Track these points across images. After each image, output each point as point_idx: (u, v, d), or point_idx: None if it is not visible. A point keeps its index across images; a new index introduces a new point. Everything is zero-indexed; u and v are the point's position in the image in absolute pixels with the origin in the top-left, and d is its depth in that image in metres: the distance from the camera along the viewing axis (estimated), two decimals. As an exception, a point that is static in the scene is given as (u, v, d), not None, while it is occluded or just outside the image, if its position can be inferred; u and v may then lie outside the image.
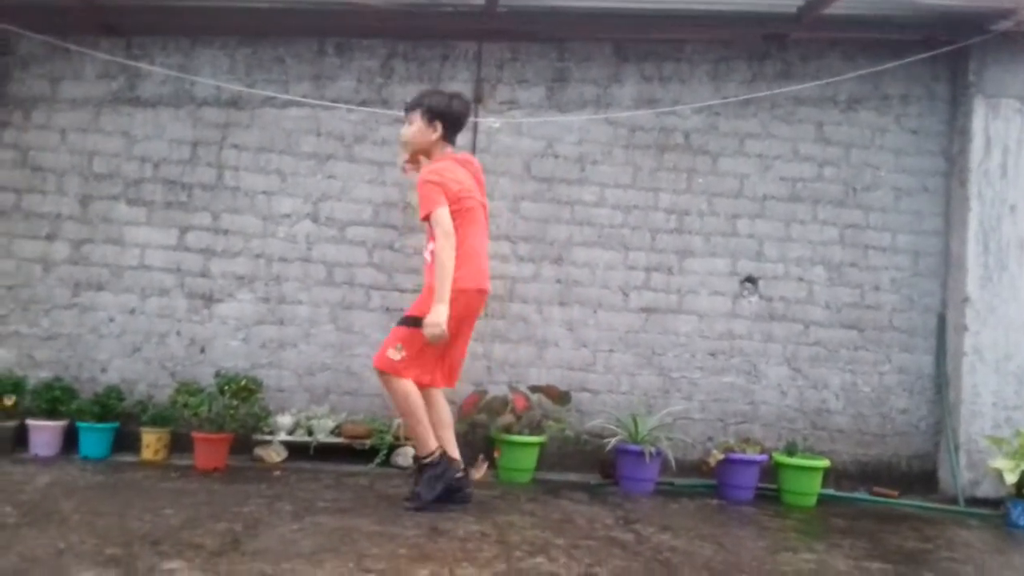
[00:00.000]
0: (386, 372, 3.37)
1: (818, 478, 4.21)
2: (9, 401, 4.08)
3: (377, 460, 4.25)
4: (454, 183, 3.42)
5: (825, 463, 4.24)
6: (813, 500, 4.18)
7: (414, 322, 3.34)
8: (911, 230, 4.86)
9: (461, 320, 3.41)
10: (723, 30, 4.71)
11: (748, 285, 4.84)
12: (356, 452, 4.31)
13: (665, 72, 4.88)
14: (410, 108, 3.60)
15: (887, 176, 4.88)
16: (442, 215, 3.34)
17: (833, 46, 4.87)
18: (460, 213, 3.41)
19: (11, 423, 4.10)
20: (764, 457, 4.22)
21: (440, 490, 3.37)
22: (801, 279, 4.84)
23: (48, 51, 4.53)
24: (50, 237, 4.52)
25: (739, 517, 3.75)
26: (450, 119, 3.56)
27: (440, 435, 3.47)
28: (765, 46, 4.86)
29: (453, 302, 3.29)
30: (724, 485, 4.20)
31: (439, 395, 3.57)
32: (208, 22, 4.55)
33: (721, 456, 4.16)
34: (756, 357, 4.78)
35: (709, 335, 4.78)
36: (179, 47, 4.66)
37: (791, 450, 4.30)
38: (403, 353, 3.33)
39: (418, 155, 3.62)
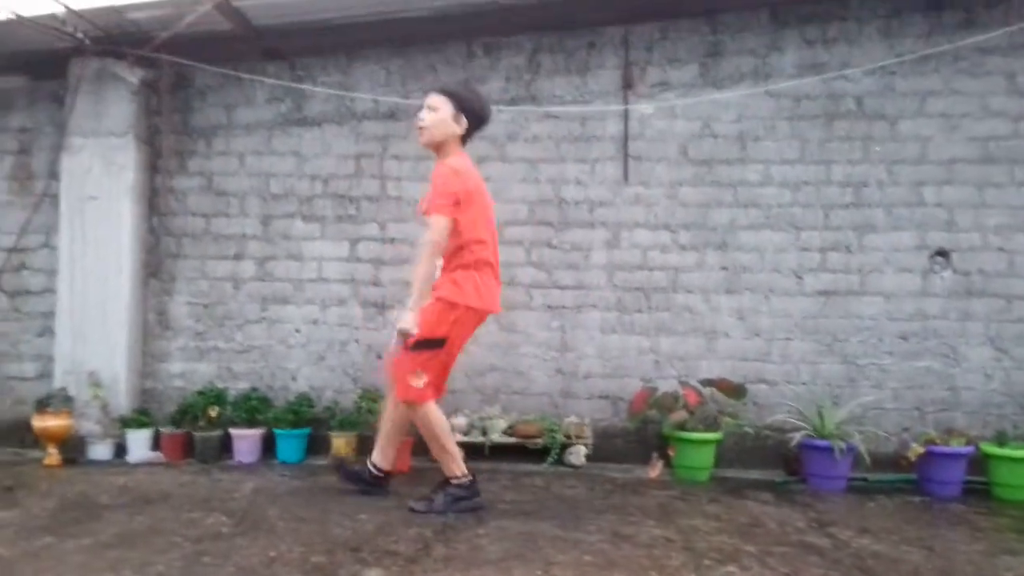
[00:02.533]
0: (415, 403, 3.22)
1: (1035, 469, 3.81)
2: (214, 412, 4.44)
3: (549, 459, 4.28)
4: (477, 194, 3.30)
5: (1043, 452, 3.83)
6: (1031, 494, 3.79)
7: (427, 344, 3.18)
8: None
9: (466, 337, 3.33)
10: (894, -19, 4.33)
11: (939, 259, 4.43)
12: (528, 451, 4.35)
13: (830, 34, 4.55)
14: (438, 92, 3.32)
15: (1100, 125, 4.31)
16: (441, 225, 3.15)
17: (1023, -15, 4.34)
18: (475, 224, 3.24)
19: (216, 432, 4.46)
20: (971, 449, 3.86)
21: (455, 510, 3.25)
22: (1001, 249, 4.39)
23: (221, 81, 4.86)
24: (238, 256, 4.86)
25: (946, 516, 3.44)
26: (475, 120, 3.34)
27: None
28: (943, -6, 4.42)
29: (464, 318, 3.22)
30: (926, 480, 3.87)
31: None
32: (362, 35, 4.67)
33: (922, 449, 3.85)
34: (954, 338, 4.38)
35: (898, 316, 4.43)
36: (338, 65, 4.85)
37: (1001, 439, 3.92)
38: (425, 378, 3.20)
39: (430, 146, 3.37)
